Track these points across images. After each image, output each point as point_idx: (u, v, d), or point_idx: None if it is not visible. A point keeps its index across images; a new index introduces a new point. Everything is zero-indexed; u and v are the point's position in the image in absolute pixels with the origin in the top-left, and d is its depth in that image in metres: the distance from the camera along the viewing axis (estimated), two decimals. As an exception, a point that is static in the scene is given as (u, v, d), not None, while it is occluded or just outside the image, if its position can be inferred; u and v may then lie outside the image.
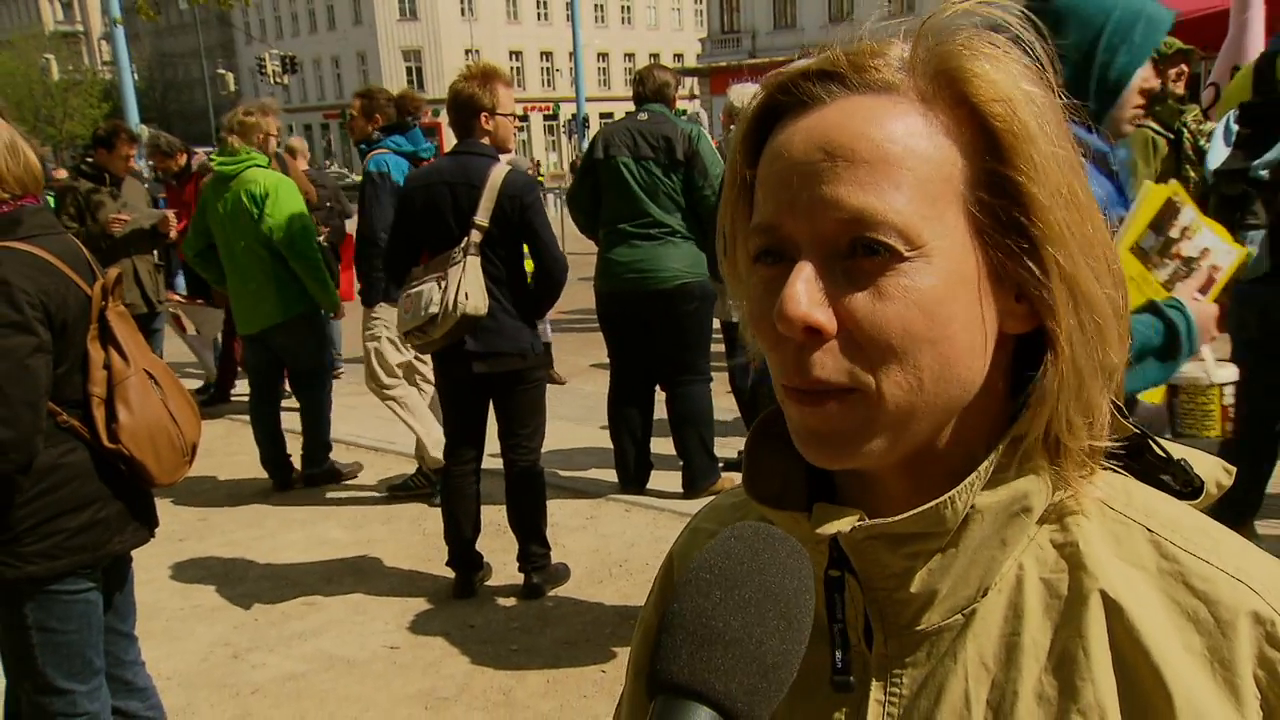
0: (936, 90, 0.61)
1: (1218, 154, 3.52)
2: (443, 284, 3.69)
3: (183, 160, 7.61)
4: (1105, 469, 0.68)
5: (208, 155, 8.44)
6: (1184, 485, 0.68)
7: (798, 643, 0.55)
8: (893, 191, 0.59)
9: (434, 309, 3.67)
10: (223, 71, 53.14)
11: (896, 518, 0.64)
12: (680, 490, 5.01)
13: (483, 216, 3.74)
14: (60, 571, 2.22)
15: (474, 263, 3.73)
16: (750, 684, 0.52)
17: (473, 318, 3.71)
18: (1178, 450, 0.69)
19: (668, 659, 0.53)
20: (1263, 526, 3.85)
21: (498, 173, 3.79)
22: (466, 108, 3.80)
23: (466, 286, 3.70)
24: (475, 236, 3.74)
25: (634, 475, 5.09)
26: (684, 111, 5.11)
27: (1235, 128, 3.53)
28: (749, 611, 0.54)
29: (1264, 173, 3.33)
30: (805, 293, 0.59)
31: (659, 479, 5.13)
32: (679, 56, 56.31)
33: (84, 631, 2.31)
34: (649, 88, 4.81)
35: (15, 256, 2.13)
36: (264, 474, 5.82)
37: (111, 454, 2.26)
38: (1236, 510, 3.60)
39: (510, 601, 4.08)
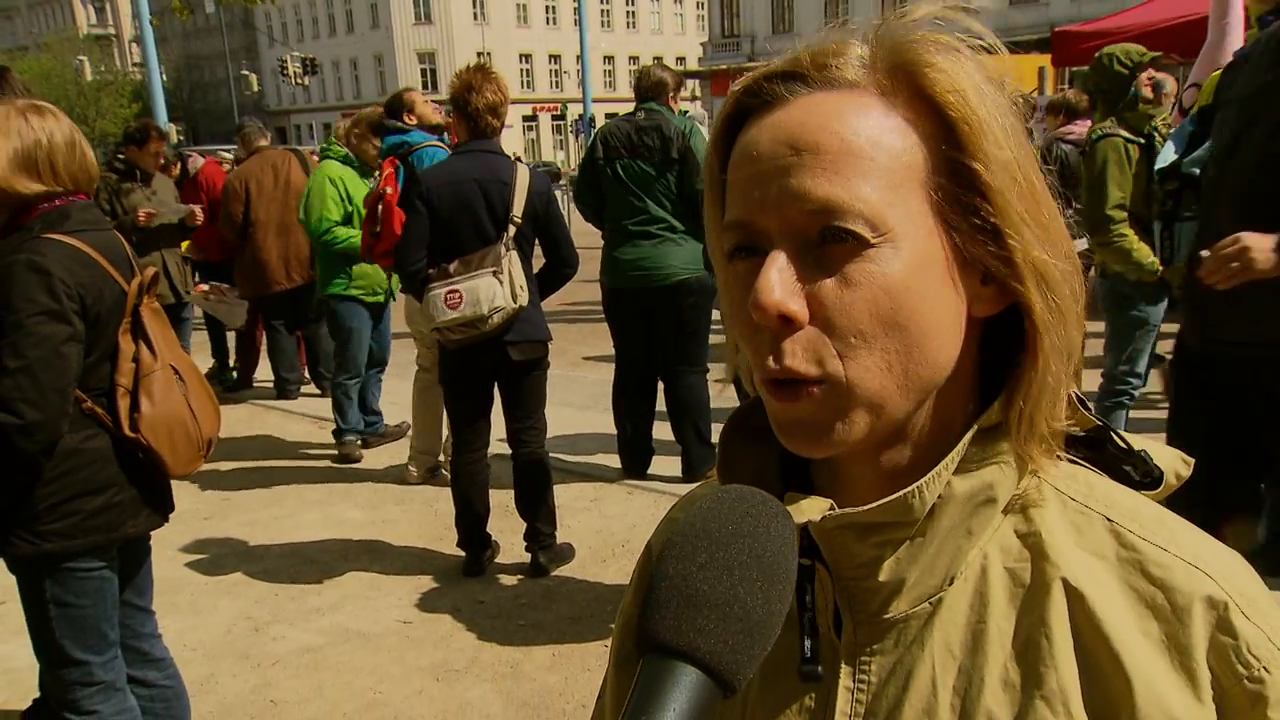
0: (895, 84, 0.61)
1: (1165, 155, 3.53)
2: (501, 278, 3.68)
3: (176, 170, 7.60)
4: (1069, 461, 0.68)
5: (232, 155, 8.42)
6: (1144, 476, 0.68)
7: (781, 602, 0.54)
8: (857, 181, 0.59)
9: (500, 302, 3.66)
10: (246, 73, 52.95)
11: (865, 507, 0.63)
12: (680, 474, 5.01)
13: (518, 212, 3.76)
14: (75, 551, 2.23)
15: (516, 257, 3.75)
16: (735, 643, 0.52)
17: (524, 309, 3.74)
18: (1138, 442, 0.69)
19: (655, 620, 0.52)
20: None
21: (523, 170, 3.83)
22: (495, 112, 3.80)
23: (520, 280, 3.72)
24: (512, 231, 3.76)
25: (636, 461, 5.10)
26: (685, 111, 5.08)
27: (1190, 129, 3.55)
28: (734, 572, 0.53)
29: (1195, 169, 3.34)
30: (779, 281, 0.59)
31: (660, 464, 5.14)
32: (681, 59, 56.02)
33: (99, 606, 2.32)
34: (644, 85, 4.80)
35: (60, 248, 2.15)
36: (284, 456, 5.85)
37: (130, 442, 2.26)
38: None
39: (517, 579, 4.09)
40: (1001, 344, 0.65)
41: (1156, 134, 4.12)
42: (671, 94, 4.82)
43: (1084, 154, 4.52)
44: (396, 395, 5.42)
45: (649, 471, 5.11)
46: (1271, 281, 2.26)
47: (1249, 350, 2.45)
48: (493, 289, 3.67)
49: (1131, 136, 4.07)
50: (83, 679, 2.33)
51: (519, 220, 3.76)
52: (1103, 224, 4.01)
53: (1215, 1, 4.49)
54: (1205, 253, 2.30)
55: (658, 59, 5.79)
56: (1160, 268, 3.84)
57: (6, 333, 2.05)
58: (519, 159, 5.80)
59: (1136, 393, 4.41)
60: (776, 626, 0.54)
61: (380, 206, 4.79)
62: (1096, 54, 4.22)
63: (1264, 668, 0.59)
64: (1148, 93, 4.17)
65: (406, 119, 5.08)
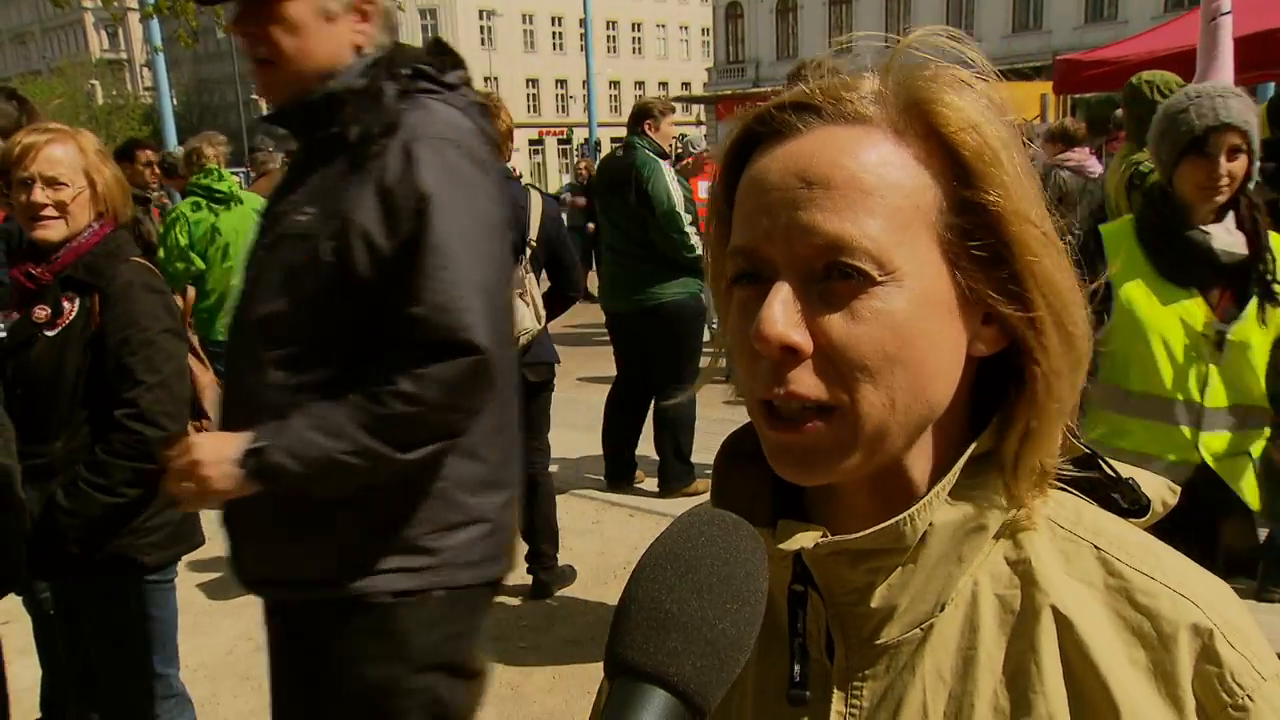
0: (908, 122, 0.61)
1: None
2: (525, 300, 3.69)
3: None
4: (1057, 488, 0.68)
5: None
6: (1131, 504, 0.68)
7: (751, 624, 0.54)
8: (866, 218, 0.59)
9: (527, 324, 3.67)
10: (256, 96, 53.34)
11: (857, 535, 0.63)
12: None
13: (534, 236, 3.80)
14: (166, 561, 2.29)
15: (533, 279, 3.78)
16: (703, 665, 0.51)
17: (540, 330, 3.77)
18: (1126, 470, 0.69)
19: (624, 643, 0.52)
20: None
21: (536, 195, 3.88)
22: (511, 137, 3.87)
23: (539, 301, 3.76)
24: (528, 254, 3.78)
25: (616, 473, 5.21)
26: (683, 135, 5.36)
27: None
28: (702, 595, 0.53)
29: None
30: (782, 313, 0.59)
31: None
32: (686, 85, 56.24)
33: (173, 618, 2.37)
34: (630, 116, 5.00)
35: (152, 271, 2.21)
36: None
37: None
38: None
39: (519, 601, 4.07)
40: (996, 378, 0.66)
41: None
42: (651, 121, 4.88)
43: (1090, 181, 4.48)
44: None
45: (653, 493, 5.12)
46: None
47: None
48: (520, 312, 3.68)
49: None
50: (165, 691, 2.36)
51: (534, 244, 3.79)
52: None
53: (1203, 35, 4.49)
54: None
55: (663, 85, 5.98)
56: None
57: (137, 350, 2.07)
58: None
59: None
60: (746, 649, 0.54)
61: None
62: (1130, 83, 4.09)
63: (1248, 695, 0.60)
64: None
65: None
